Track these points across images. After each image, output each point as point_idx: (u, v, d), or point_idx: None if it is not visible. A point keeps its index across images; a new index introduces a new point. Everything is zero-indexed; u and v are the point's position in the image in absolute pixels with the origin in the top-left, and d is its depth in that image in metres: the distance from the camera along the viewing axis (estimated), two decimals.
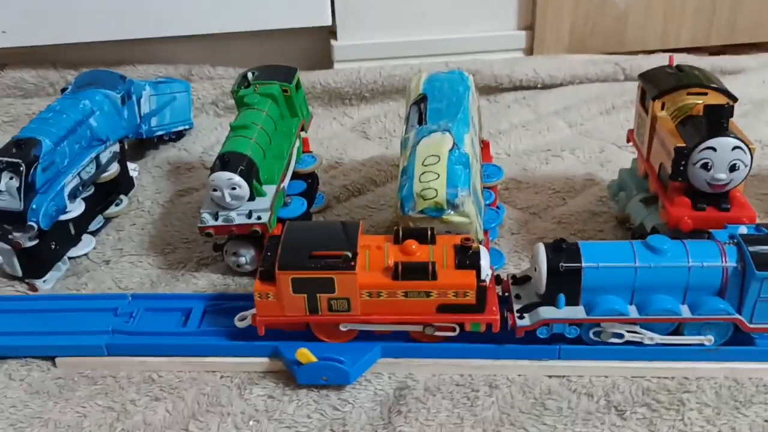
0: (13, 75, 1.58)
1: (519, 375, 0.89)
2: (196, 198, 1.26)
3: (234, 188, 0.99)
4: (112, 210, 1.21)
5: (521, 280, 0.92)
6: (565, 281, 0.85)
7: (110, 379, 0.91)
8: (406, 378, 0.89)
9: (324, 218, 1.19)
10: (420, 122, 1.04)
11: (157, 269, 1.10)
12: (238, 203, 1.00)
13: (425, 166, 0.95)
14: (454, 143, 0.98)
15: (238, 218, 1.00)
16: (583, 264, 0.85)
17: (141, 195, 1.27)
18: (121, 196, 1.23)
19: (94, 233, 1.17)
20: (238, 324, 0.91)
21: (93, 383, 0.91)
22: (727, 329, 0.87)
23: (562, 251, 0.85)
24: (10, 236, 1.03)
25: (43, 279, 1.07)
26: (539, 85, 1.54)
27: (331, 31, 1.61)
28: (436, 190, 0.92)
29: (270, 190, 1.03)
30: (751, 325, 0.86)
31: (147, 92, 1.31)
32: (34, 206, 1.01)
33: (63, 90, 1.21)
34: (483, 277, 0.85)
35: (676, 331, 0.88)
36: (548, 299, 0.87)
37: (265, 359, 0.91)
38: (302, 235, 0.89)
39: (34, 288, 1.06)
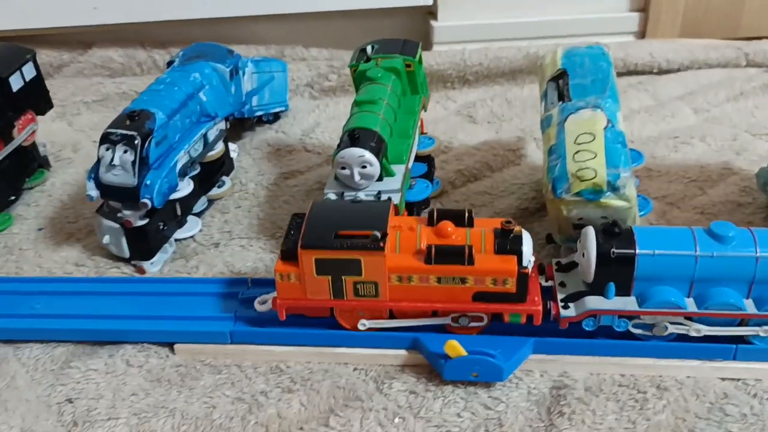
0: (100, 54, 1.53)
1: (688, 376, 0.80)
2: (302, 181, 1.19)
3: (365, 166, 0.91)
4: (216, 191, 1.15)
5: (567, 267, 0.84)
6: (615, 269, 0.77)
7: (235, 369, 0.84)
8: (561, 376, 0.81)
9: (441, 204, 1.11)
10: (561, 99, 0.96)
11: (269, 253, 1.03)
12: (366, 183, 0.93)
13: (578, 144, 0.87)
14: (608, 120, 0.89)
15: (365, 199, 0.93)
16: (638, 250, 0.76)
17: (243, 177, 1.20)
18: (224, 178, 1.17)
19: (198, 215, 1.10)
20: (259, 308, 0.84)
21: (217, 372, 0.84)
22: None
23: (614, 236, 0.77)
24: (119, 214, 0.97)
25: (151, 261, 1.00)
26: (655, 70, 1.44)
27: (429, 12, 1.53)
28: (594, 170, 0.84)
29: (399, 169, 0.96)
30: None
31: (249, 69, 1.24)
32: (147, 182, 0.95)
33: (169, 63, 1.15)
34: (525, 263, 0.77)
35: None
36: (596, 288, 0.78)
37: (402, 351, 0.84)
38: (329, 214, 0.81)
39: (142, 270, 1.00)
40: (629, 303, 0.78)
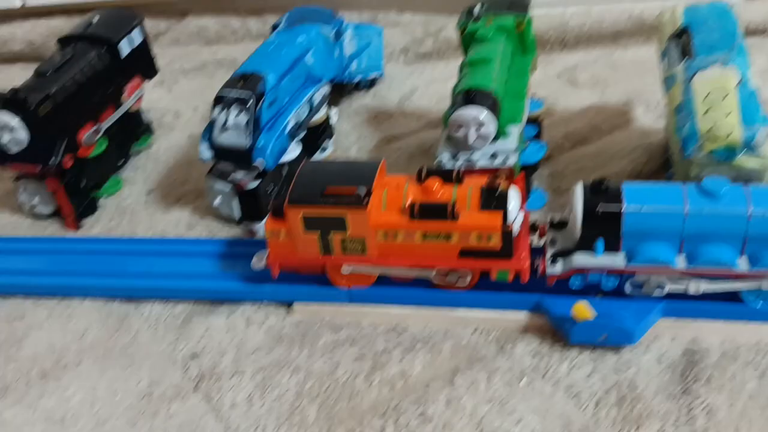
0: (196, 23, 1.54)
1: None
2: (403, 145, 1.17)
3: (481, 126, 0.89)
4: (319, 155, 1.14)
5: (560, 224, 0.81)
6: (603, 225, 0.75)
7: (354, 328, 0.84)
8: (693, 341, 0.78)
9: (549, 170, 1.09)
10: (684, 56, 0.92)
11: None
12: (482, 143, 0.91)
13: (709, 102, 0.83)
14: (740, 77, 0.85)
15: (481, 160, 0.91)
16: (624, 207, 0.74)
17: (344, 141, 1.20)
18: (327, 142, 1.16)
19: None
20: (256, 265, 0.84)
21: (336, 331, 0.84)
22: None
23: (601, 192, 0.75)
24: (231, 177, 0.98)
25: (261, 223, 1.01)
26: None
27: None
28: (728, 128, 0.80)
29: (514, 130, 0.93)
30: None
31: (349, 33, 1.23)
32: (260, 144, 0.95)
33: (274, 27, 1.14)
34: (510, 220, 0.76)
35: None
36: (585, 245, 0.76)
37: (524, 314, 0.82)
38: (318, 172, 0.82)
39: (252, 233, 1.01)
40: (616, 260, 0.76)
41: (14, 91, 0.98)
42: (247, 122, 0.94)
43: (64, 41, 1.10)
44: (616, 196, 0.75)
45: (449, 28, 1.44)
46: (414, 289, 0.84)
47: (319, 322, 0.85)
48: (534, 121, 1.07)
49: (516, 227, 0.77)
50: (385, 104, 1.30)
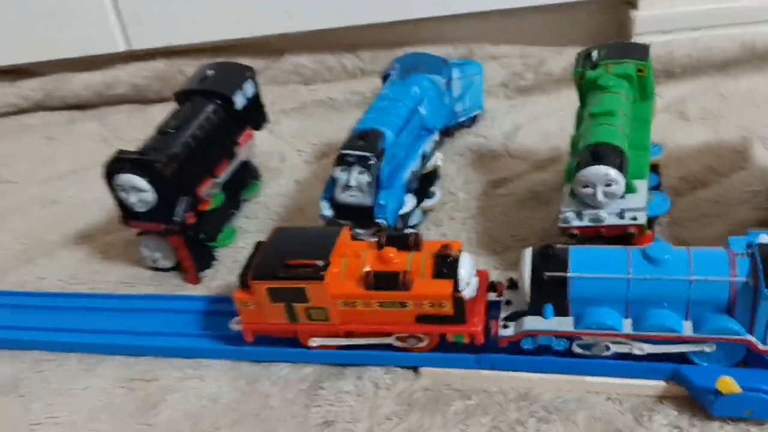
0: (292, 60, 1.56)
1: None
2: (512, 189, 1.16)
3: (609, 185, 0.87)
4: (428, 203, 1.14)
5: (516, 284, 0.82)
6: (550, 291, 0.78)
7: (484, 395, 0.84)
8: None
9: (669, 214, 1.05)
10: None
11: (493, 269, 1.01)
12: (609, 201, 0.89)
13: None
14: None
15: (608, 218, 0.89)
16: (569, 273, 0.77)
17: (450, 186, 1.19)
18: (433, 188, 1.16)
19: (413, 227, 1.10)
20: (233, 327, 0.89)
21: (467, 398, 0.83)
22: (738, 349, 0.77)
23: (548, 258, 0.78)
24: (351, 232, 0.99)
25: None
26: None
27: (626, 2, 1.46)
28: None
29: (641, 185, 0.91)
30: (764, 347, 0.75)
31: (455, 75, 1.23)
32: (381, 202, 0.96)
33: (385, 77, 1.15)
34: (461, 287, 0.79)
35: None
36: (536, 308, 0.80)
37: (660, 383, 0.80)
38: (284, 242, 0.87)
39: None
40: (564, 323, 0.79)
41: (141, 153, 1.01)
42: (370, 182, 0.94)
43: (180, 95, 1.13)
44: (562, 262, 0.78)
45: (549, 61, 1.42)
46: (544, 357, 0.83)
47: (447, 388, 0.85)
48: (653, 169, 1.05)
49: (468, 293, 0.81)
50: (488, 143, 1.29)
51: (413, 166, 1.03)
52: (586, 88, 1.01)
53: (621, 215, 0.89)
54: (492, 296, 0.87)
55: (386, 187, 0.97)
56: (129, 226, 1.06)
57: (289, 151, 1.36)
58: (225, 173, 1.12)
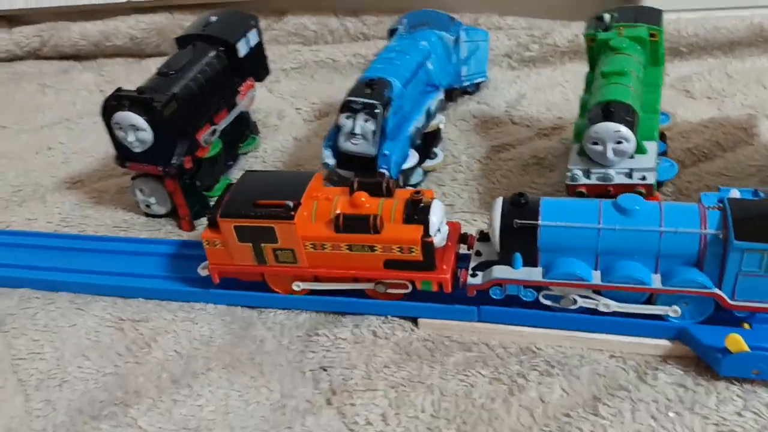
0: (294, 21, 1.54)
1: None
2: (516, 154, 1.14)
3: (620, 142, 0.86)
4: (430, 163, 1.12)
5: (487, 236, 0.81)
6: (520, 240, 0.78)
7: (484, 347, 0.82)
8: None
9: (674, 183, 1.05)
10: None
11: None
12: (618, 159, 0.88)
13: None
14: None
15: (617, 176, 0.88)
16: (540, 222, 0.76)
17: (453, 149, 1.18)
18: (436, 150, 1.14)
19: (414, 186, 1.09)
20: (201, 272, 0.89)
21: (466, 349, 0.82)
22: (706, 305, 0.76)
23: (519, 207, 0.78)
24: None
25: None
26: None
27: None
28: None
29: (651, 147, 0.90)
30: (732, 302, 0.75)
31: (462, 38, 1.21)
32: (386, 152, 0.94)
33: (392, 31, 1.13)
34: (432, 232, 0.79)
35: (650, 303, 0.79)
36: (506, 258, 0.79)
37: (665, 342, 0.79)
38: (255, 184, 0.86)
39: None
40: (534, 273, 0.79)
41: (140, 91, 0.98)
42: (374, 130, 0.92)
43: (182, 40, 1.10)
44: (533, 211, 0.77)
45: (555, 33, 1.40)
46: (546, 312, 0.82)
47: (446, 339, 0.83)
48: (660, 137, 1.04)
49: (438, 240, 0.80)
50: (491, 110, 1.28)
51: (418, 121, 1.01)
52: (597, 50, 1.00)
53: (629, 175, 0.88)
54: (463, 249, 0.86)
55: (391, 139, 0.95)
56: (124, 167, 1.03)
57: (288, 109, 1.34)
58: (224, 121, 1.10)
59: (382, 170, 0.93)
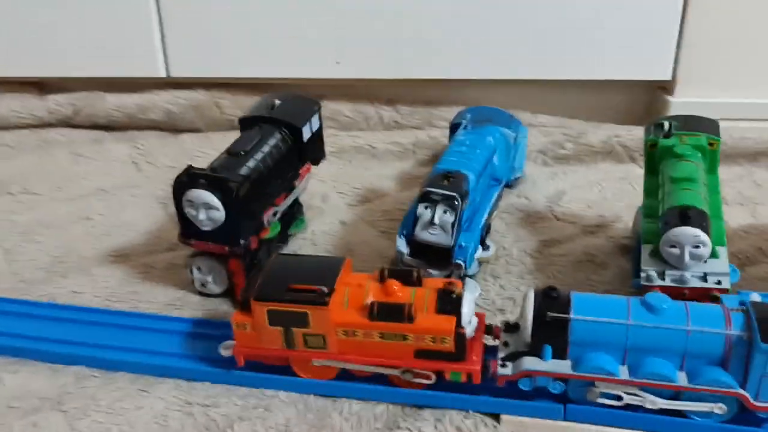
0: (332, 107, 1.56)
1: None
2: (566, 251, 1.16)
3: (697, 246, 0.89)
4: (481, 254, 1.13)
5: (513, 327, 0.84)
6: (551, 332, 0.79)
7: None
8: None
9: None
10: None
11: None
12: (694, 263, 0.90)
13: None
14: None
15: (692, 280, 0.90)
16: (572, 315, 0.78)
17: (502, 241, 1.19)
18: (488, 242, 1.16)
19: (471, 277, 1.09)
20: (223, 352, 0.88)
21: None
22: (730, 405, 0.78)
23: (551, 300, 0.80)
24: (425, 273, 0.97)
25: None
26: None
27: (662, 87, 1.52)
28: None
29: (722, 251, 0.93)
30: (756, 403, 0.76)
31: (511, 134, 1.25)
32: (462, 244, 0.95)
33: (454, 126, 1.16)
34: (464, 323, 0.80)
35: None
36: (535, 350, 0.81)
37: None
38: (286, 268, 0.87)
39: None
40: (563, 366, 0.80)
41: (213, 170, 0.98)
42: (454, 222, 0.93)
43: (246, 121, 1.12)
44: (565, 305, 0.79)
45: (589, 134, 1.45)
46: (631, 412, 0.82)
47: None
48: None
49: (469, 330, 0.81)
50: (533, 205, 1.30)
51: (488, 214, 1.03)
52: (659, 156, 1.04)
53: (704, 278, 0.90)
54: (488, 340, 0.87)
55: (465, 230, 0.96)
56: (188, 245, 1.02)
57: (330, 193, 1.34)
58: (285, 203, 1.10)
59: (458, 261, 0.94)
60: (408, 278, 0.84)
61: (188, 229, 1.00)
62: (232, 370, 0.89)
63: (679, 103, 1.49)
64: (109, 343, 0.95)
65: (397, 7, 1.46)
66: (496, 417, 0.85)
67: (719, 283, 0.90)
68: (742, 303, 0.79)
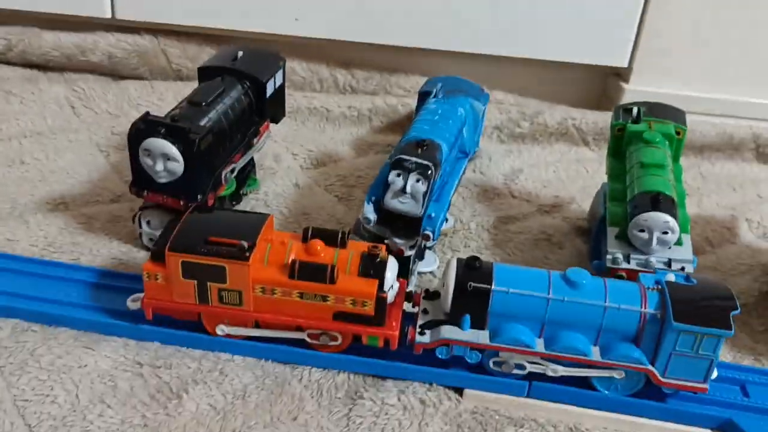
0: (287, 65, 1.50)
1: None
2: (524, 228, 1.16)
3: (666, 232, 0.89)
4: (445, 226, 1.12)
5: (433, 294, 0.86)
6: (472, 302, 0.80)
7: (533, 423, 0.81)
8: None
9: None
10: None
11: None
12: (660, 249, 0.91)
13: None
14: None
15: (657, 264, 0.91)
16: (493, 286, 0.79)
17: (459, 215, 1.18)
18: (447, 214, 1.14)
19: (430, 248, 1.07)
20: (130, 305, 0.85)
21: (518, 425, 0.80)
22: (637, 380, 0.82)
23: (474, 269, 0.81)
24: (389, 240, 0.94)
25: None
26: None
27: (616, 73, 1.53)
28: None
29: (686, 239, 0.94)
30: (663, 379, 0.80)
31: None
32: (432, 214, 0.92)
33: (424, 94, 1.12)
34: (386, 288, 0.80)
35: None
36: (455, 319, 0.82)
37: (707, 431, 0.81)
38: (205, 221, 0.85)
39: None
40: (481, 336, 0.81)
41: (174, 119, 0.92)
42: (426, 191, 0.91)
43: (207, 71, 1.05)
44: (487, 275, 0.80)
45: (546, 113, 1.45)
46: (596, 392, 0.83)
47: (494, 413, 0.82)
48: None
49: (391, 295, 0.82)
50: (489, 180, 1.29)
51: (455, 186, 1.01)
52: (627, 140, 1.04)
53: (668, 264, 0.91)
54: (407, 307, 0.88)
55: (434, 201, 0.94)
56: (140, 196, 0.96)
57: (283, 154, 1.29)
58: (242, 160, 1.05)
59: (426, 232, 0.92)
60: (332, 239, 0.82)
61: (141, 179, 0.94)
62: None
63: (634, 91, 1.50)
64: (50, 297, 0.88)
65: None
66: (459, 391, 0.84)
67: (683, 269, 0.91)
68: (657, 282, 0.82)
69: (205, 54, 1.46)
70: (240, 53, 1.08)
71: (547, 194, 1.27)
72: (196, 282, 0.80)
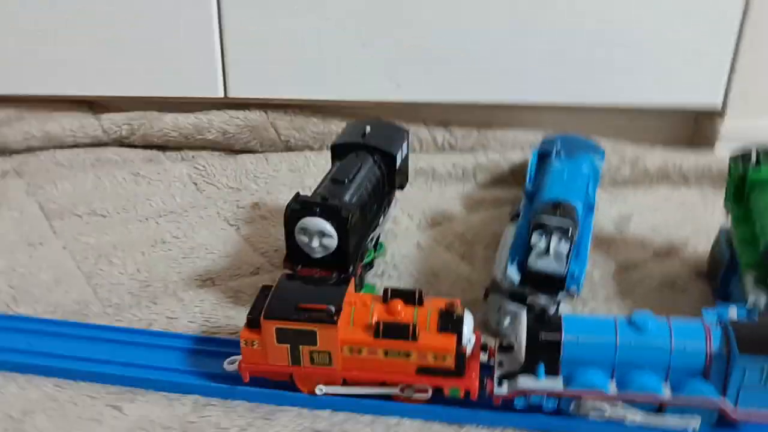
0: None
1: None
2: (645, 275, 1.19)
3: None
4: None
5: (507, 348, 0.90)
6: (544, 352, 0.84)
7: None
8: None
9: None
10: None
11: None
12: None
13: None
14: None
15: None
16: (563, 337, 0.83)
17: None
18: None
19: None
20: (227, 368, 0.91)
21: None
22: (711, 415, 0.84)
23: (543, 322, 0.85)
24: (533, 299, 0.99)
25: None
26: None
27: (701, 113, 1.56)
28: None
29: None
30: (734, 413, 0.82)
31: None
32: (574, 272, 0.96)
33: (542, 154, 1.18)
34: (464, 342, 0.85)
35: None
36: (529, 369, 0.85)
37: None
38: (293, 288, 0.91)
39: None
40: (556, 383, 0.84)
41: (324, 198, 0.98)
42: (568, 252, 0.95)
43: (340, 148, 1.12)
44: (556, 326, 0.84)
45: (646, 158, 1.49)
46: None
47: None
48: None
49: (469, 349, 0.86)
50: (601, 230, 1.33)
51: (590, 240, 1.05)
52: (750, 186, 1.07)
53: None
54: (483, 358, 0.92)
55: (574, 258, 0.98)
56: (293, 271, 1.02)
57: (399, 215, 1.35)
58: (379, 229, 1.11)
59: (571, 290, 0.96)
60: (410, 298, 0.88)
61: (295, 254, 1.00)
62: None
63: (729, 128, 1.53)
64: (223, 373, 0.94)
65: (449, 33, 1.47)
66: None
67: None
68: (719, 319, 0.85)
69: (311, 124, 1.54)
70: (368, 128, 1.14)
71: (660, 239, 1.30)
72: (289, 346, 0.87)
